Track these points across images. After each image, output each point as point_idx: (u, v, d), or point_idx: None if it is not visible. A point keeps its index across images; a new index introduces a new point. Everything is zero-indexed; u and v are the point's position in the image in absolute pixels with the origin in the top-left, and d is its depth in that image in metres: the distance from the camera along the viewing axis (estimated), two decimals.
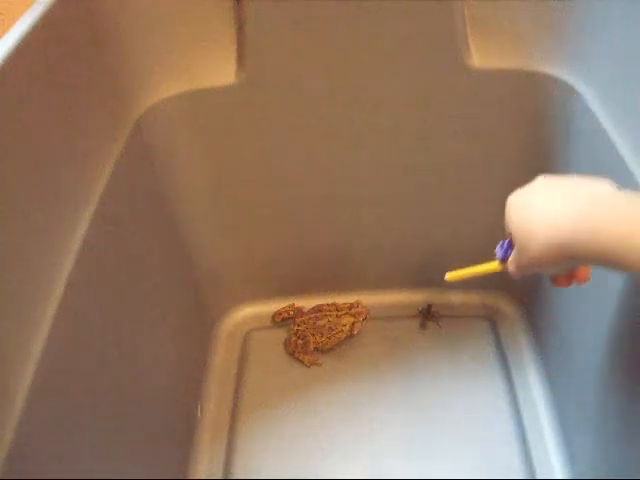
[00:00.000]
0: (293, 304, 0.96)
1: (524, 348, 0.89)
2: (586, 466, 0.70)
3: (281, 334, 0.93)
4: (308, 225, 0.89)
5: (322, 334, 0.89)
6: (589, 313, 0.68)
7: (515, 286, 0.80)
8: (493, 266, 0.55)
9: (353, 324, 0.89)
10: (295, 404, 0.85)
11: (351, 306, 0.91)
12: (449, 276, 0.60)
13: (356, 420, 0.82)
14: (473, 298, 0.96)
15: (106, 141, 0.63)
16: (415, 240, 0.91)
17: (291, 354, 0.91)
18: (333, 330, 0.89)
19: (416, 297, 0.97)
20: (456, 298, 0.97)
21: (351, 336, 0.90)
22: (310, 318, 0.91)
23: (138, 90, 0.69)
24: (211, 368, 0.90)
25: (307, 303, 0.95)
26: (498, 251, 0.53)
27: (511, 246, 0.50)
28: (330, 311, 0.91)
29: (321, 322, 0.90)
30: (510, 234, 0.48)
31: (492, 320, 0.94)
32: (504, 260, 0.52)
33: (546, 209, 0.43)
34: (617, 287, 0.60)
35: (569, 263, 0.45)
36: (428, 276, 0.96)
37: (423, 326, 0.94)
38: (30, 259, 0.47)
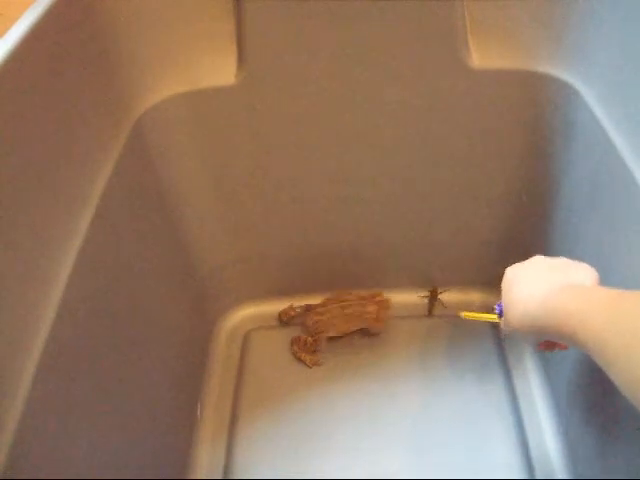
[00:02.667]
0: (292, 304, 0.95)
1: (525, 348, 0.89)
2: (586, 466, 0.70)
3: (281, 334, 0.93)
4: (308, 225, 0.89)
5: (348, 322, 0.89)
6: None
7: None
8: (495, 318, 0.62)
9: (378, 311, 0.89)
10: (295, 404, 0.85)
11: (373, 295, 0.91)
12: (465, 314, 0.71)
13: (356, 420, 0.82)
14: (474, 297, 0.96)
15: (106, 141, 0.63)
16: (417, 240, 0.91)
17: (294, 354, 0.90)
18: (359, 317, 0.89)
19: (418, 297, 0.97)
20: (457, 297, 0.97)
21: (376, 324, 0.90)
22: (335, 307, 0.91)
23: (138, 90, 0.69)
24: (211, 368, 0.90)
25: (307, 303, 0.95)
26: (496, 308, 0.60)
27: None
28: (353, 300, 0.91)
29: (348, 310, 0.90)
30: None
31: None
32: (500, 317, 0.58)
33: (526, 287, 0.49)
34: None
35: (543, 335, 0.49)
36: (431, 275, 0.96)
37: (430, 312, 0.95)
38: (30, 259, 0.47)
